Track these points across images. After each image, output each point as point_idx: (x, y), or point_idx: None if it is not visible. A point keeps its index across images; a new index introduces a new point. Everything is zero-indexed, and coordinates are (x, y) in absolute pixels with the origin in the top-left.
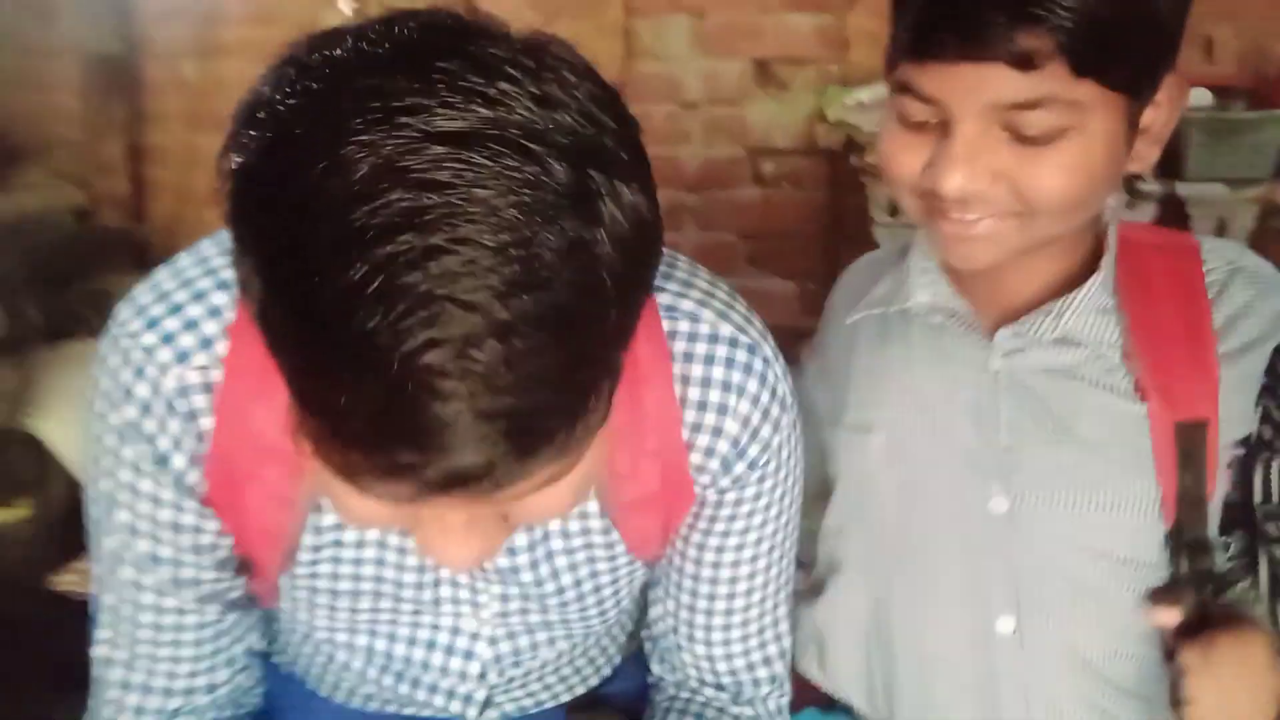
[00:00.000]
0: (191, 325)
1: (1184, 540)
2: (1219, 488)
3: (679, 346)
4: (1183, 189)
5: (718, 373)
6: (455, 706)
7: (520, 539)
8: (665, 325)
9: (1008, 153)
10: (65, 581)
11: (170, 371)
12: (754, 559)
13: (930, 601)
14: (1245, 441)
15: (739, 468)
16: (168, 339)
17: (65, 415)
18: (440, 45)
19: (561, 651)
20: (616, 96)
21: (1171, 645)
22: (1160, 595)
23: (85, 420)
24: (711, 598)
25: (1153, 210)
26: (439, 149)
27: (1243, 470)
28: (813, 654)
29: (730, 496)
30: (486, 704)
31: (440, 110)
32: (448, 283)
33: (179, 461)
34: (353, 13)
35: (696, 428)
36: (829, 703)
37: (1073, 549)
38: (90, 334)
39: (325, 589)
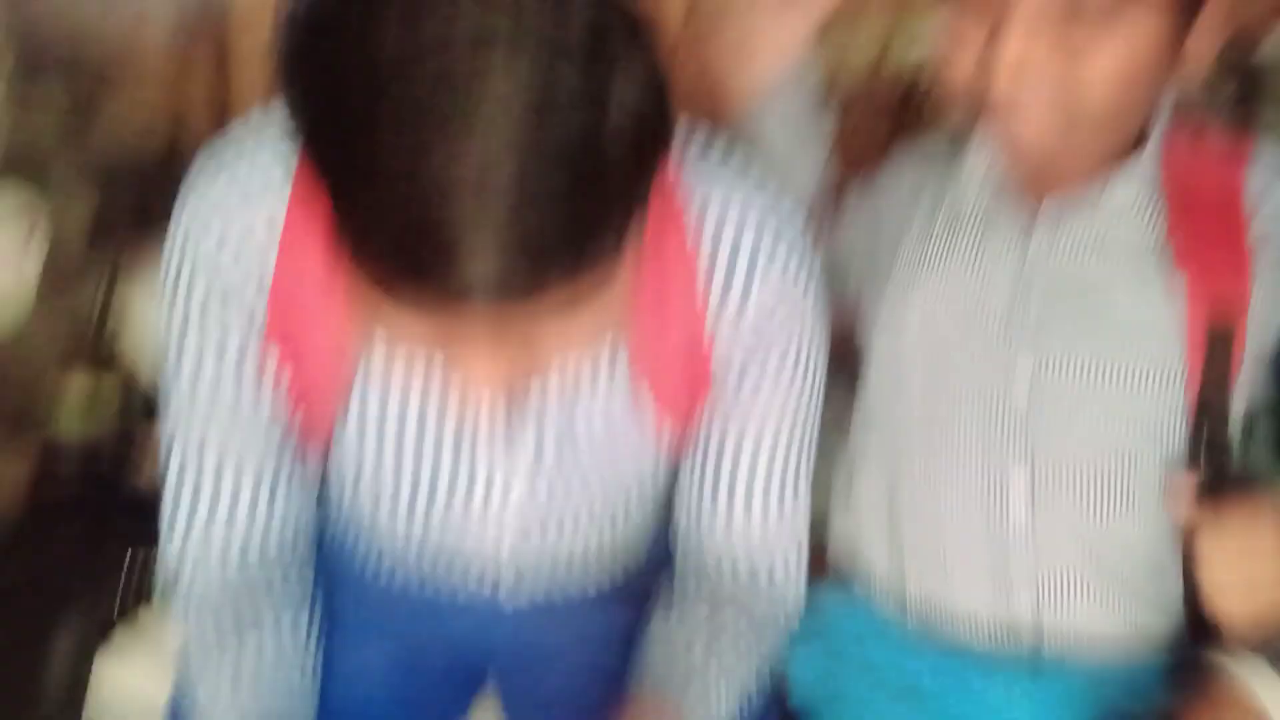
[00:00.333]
0: (259, 169)
1: (1205, 416)
2: (1244, 373)
3: (712, 212)
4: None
5: (748, 239)
6: (486, 592)
7: (551, 384)
8: (697, 194)
9: (1062, 35)
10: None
11: (242, 209)
12: (776, 432)
13: (948, 464)
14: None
15: (765, 334)
16: (237, 180)
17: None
18: None
19: (588, 536)
20: None
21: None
22: (1178, 467)
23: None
24: (733, 476)
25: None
26: None
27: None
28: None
29: (753, 368)
30: (515, 588)
31: None
32: (471, 105)
33: (249, 292)
34: None
35: (725, 291)
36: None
37: (1093, 417)
38: None
39: (373, 433)
